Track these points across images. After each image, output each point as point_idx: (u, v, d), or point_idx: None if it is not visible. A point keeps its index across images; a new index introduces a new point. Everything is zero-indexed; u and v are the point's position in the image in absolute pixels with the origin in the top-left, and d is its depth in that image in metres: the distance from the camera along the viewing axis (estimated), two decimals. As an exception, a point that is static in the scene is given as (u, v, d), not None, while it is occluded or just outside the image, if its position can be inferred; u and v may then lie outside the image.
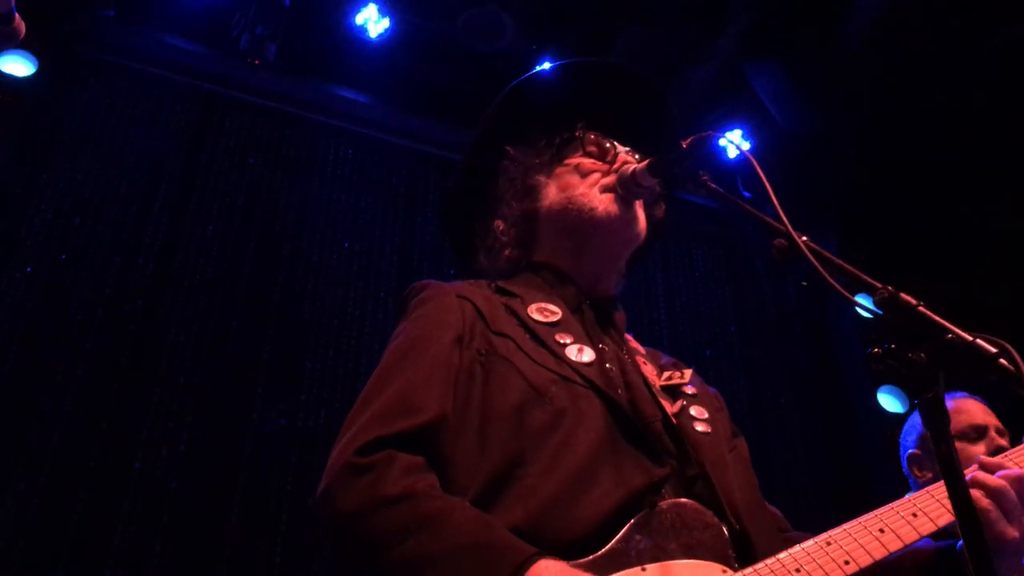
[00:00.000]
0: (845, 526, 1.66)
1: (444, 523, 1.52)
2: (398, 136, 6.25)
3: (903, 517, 1.68)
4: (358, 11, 5.87)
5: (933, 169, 6.45)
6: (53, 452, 4.41)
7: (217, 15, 5.76)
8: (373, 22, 5.87)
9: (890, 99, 6.27)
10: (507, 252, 2.19)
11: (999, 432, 3.21)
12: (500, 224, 2.21)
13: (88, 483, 4.42)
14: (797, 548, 1.60)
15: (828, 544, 1.61)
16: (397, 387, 1.74)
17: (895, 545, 1.63)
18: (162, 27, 5.70)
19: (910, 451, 3.40)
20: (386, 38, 5.94)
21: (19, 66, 5.05)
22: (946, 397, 3.19)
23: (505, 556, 1.45)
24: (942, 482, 1.74)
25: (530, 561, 1.44)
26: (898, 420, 6.20)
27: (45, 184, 5.01)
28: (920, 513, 1.70)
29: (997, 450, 3.09)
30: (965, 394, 3.35)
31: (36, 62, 5.07)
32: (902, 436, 3.51)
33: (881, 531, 1.65)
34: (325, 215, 5.74)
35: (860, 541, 1.62)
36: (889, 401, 6.41)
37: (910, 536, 1.65)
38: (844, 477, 6.39)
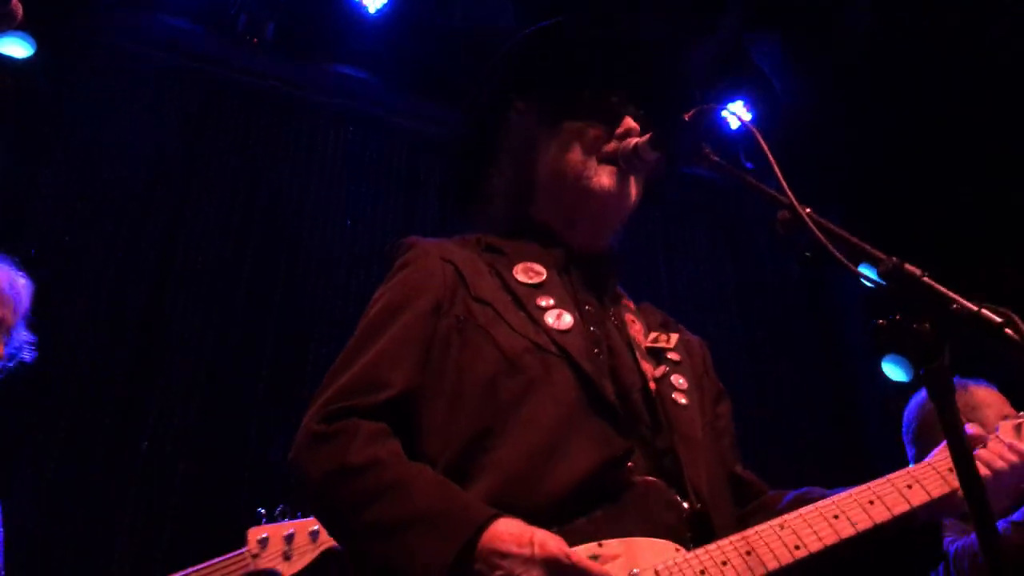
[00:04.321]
0: (802, 510, 1.67)
1: (406, 489, 1.58)
2: (397, 115, 6.23)
3: (860, 504, 1.69)
4: (356, -10, 5.84)
5: (936, 141, 6.43)
6: (59, 442, 4.43)
7: (216, -5, 5.73)
8: (371, 1, 5.83)
9: (893, 71, 6.23)
10: (502, 204, 2.18)
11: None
12: (498, 175, 2.20)
13: (95, 470, 4.44)
14: (751, 531, 1.62)
15: (781, 528, 1.63)
16: (367, 360, 1.78)
17: (847, 532, 1.64)
18: (160, 7, 5.67)
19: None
20: (384, 14, 5.90)
21: (17, 48, 5.03)
22: (965, 383, 3.22)
23: (464, 519, 1.51)
24: (905, 470, 1.78)
25: (488, 522, 1.49)
26: (903, 389, 6.23)
27: (44, 168, 5.00)
28: (877, 500, 1.70)
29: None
30: (981, 382, 3.36)
31: (34, 43, 5.05)
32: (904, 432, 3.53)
33: (835, 517, 1.66)
34: (327, 195, 5.73)
35: (813, 526, 1.63)
36: (893, 370, 6.42)
37: (864, 523, 1.66)
38: (848, 448, 6.41)
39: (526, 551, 1.46)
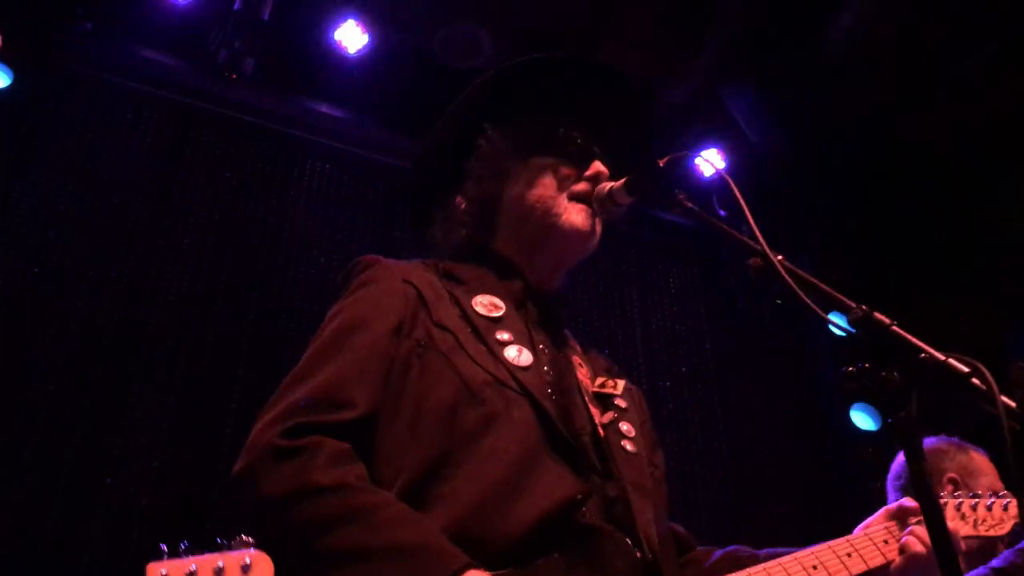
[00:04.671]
0: (750, 570, 1.72)
1: (376, 517, 1.52)
2: (375, 151, 6.24)
3: (804, 568, 1.76)
4: (336, 27, 5.87)
5: (906, 189, 6.52)
6: (23, 467, 4.36)
7: (195, 29, 5.73)
8: (351, 38, 5.87)
9: (864, 120, 6.33)
10: (462, 231, 2.17)
11: None
12: (462, 202, 2.19)
13: (55, 503, 4.37)
14: None
15: None
16: (329, 374, 1.73)
17: None
18: (140, 41, 5.67)
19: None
20: (364, 54, 5.94)
21: (-5, 77, 5.01)
22: (967, 447, 3.29)
23: (438, 560, 1.46)
24: (844, 539, 1.86)
25: (463, 570, 1.45)
26: (871, 438, 6.26)
27: (19, 197, 4.96)
28: (820, 566, 1.77)
29: None
30: (981, 450, 3.42)
31: (12, 74, 5.03)
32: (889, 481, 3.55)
33: None
34: (302, 230, 5.72)
35: None
36: (862, 419, 6.45)
37: None
38: (818, 494, 6.43)
39: None
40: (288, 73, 5.99)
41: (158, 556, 2.84)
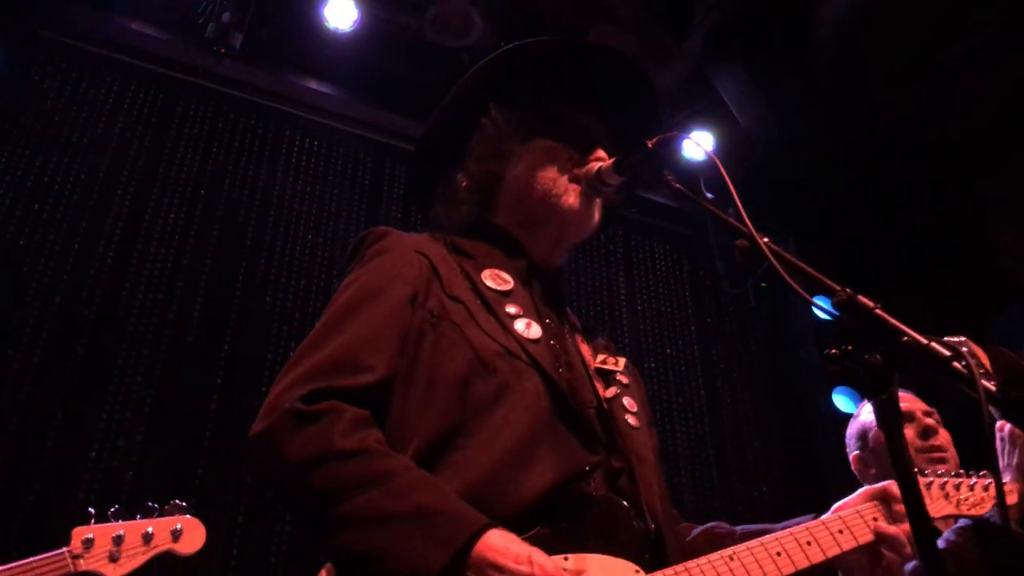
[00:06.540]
0: (749, 544, 1.74)
1: (397, 482, 1.53)
2: (364, 128, 6.23)
3: (799, 544, 1.79)
4: (326, 2, 5.83)
5: (892, 175, 6.54)
6: (6, 440, 4.35)
7: (183, 2, 5.69)
8: (341, 13, 5.83)
9: (854, 104, 6.34)
10: (464, 208, 2.20)
11: (925, 413, 3.32)
12: (463, 179, 2.21)
13: (41, 478, 4.36)
14: (703, 559, 1.67)
15: (731, 559, 1.70)
16: (347, 339, 1.74)
17: (788, 569, 1.74)
18: (127, 13, 5.62)
19: (854, 454, 3.46)
20: (354, 30, 5.90)
21: (-21, 48, 4.97)
22: None
23: (459, 523, 1.48)
24: (836, 516, 1.87)
25: (484, 530, 1.47)
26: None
27: (4, 169, 4.93)
28: (814, 542, 1.80)
29: (926, 429, 3.24)
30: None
31: (-4, 45, 5.00)
32: (846, 440, 3.57)
33: (778, 554, 1.75)
34: (289, 206, 5.71)
35: (759, 562, 1.72)
36: (844, 402, 6.50)
37: (802, 563, 1.76)
38: (800, 476, 6.48)
39: (524, 569, 1.45)
40: (277, 48, 5.95)
41: (86, 520, 2.87)
